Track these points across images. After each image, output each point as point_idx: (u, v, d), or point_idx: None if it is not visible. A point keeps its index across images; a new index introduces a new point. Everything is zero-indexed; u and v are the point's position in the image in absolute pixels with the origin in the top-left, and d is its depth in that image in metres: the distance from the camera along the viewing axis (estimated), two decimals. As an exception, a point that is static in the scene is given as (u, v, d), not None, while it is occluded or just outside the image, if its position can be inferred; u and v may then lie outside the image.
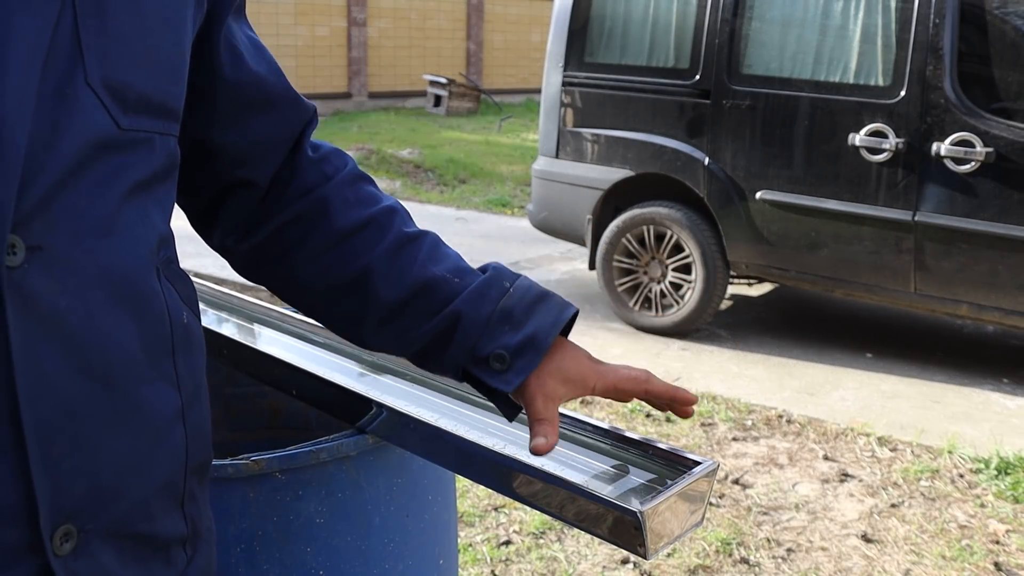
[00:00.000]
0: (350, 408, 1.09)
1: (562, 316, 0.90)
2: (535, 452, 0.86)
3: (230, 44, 0.86)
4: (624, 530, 0.83)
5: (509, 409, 0.92)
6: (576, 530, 2.37)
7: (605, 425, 1.00)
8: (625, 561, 2.61)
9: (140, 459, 0.70)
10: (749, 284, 5.15)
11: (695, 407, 1.02)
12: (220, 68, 0.85)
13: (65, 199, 0.63)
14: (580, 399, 3.67)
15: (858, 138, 4.02)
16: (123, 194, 0.68)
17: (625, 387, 0.90)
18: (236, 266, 0.97)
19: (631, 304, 4.68)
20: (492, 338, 0.88)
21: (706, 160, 4.41)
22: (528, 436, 0.87)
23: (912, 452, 3.39)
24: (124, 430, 0.68)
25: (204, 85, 0.85)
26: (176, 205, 0.83)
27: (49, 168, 0.62)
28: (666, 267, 4.61)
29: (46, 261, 0.62)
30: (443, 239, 0.97)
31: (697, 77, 4.43)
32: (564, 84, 4.81)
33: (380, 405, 1.05)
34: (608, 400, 3.82)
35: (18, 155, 0.59)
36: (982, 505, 3.01)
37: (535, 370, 0.88)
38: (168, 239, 0.77)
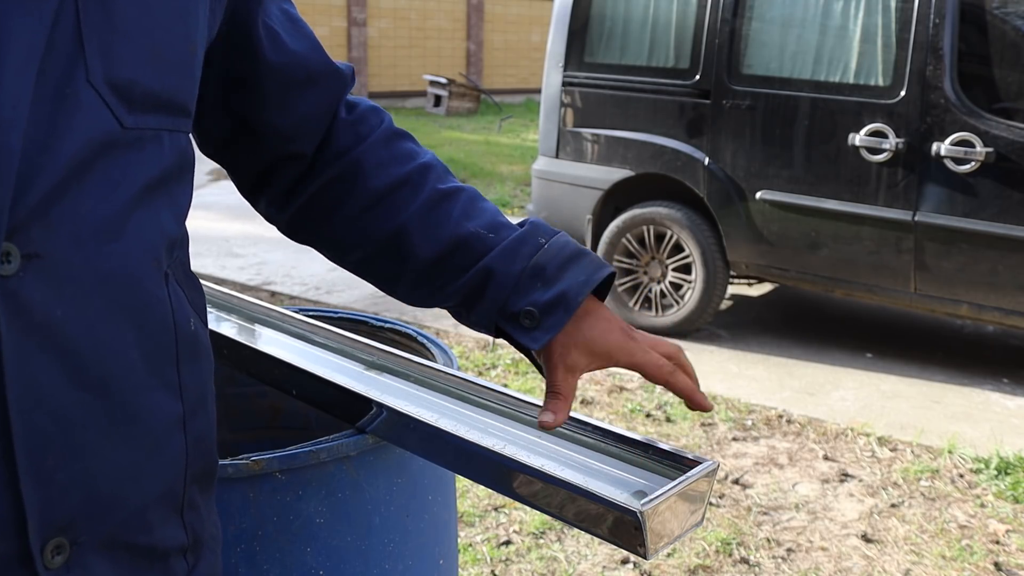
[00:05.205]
0: (350, 408, 1.09)
1: (595, 275, 0.89)
2: (541, 427, 0.86)
3: (268, 26, 0.86)
4: (624, 530, 0.83)
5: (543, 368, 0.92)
6: (576, 530, 2.37)
7: (605, 425, 0.99)
8: (625, 561, 2.61)
9: (137, 469, 0.68)
10: (749, 284, 5.15)
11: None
12: (261, 52, 0.85)
13: (67, 203, 0.61)
14: (580, 399, 3.68)
15: (858, 138, 4.01)
16: (132, 196, 0.66)
17: (648, 372, 0.90)
18: (282, 230, 0.99)
19: (631, 304, 4.68)
20: (522, 294, 0.88)
21: (706, 160, 4.41)
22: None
23: (912, 452, 3.38)
24: (121, 440, 0.66)
25: (247, 71, 0.85)
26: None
27: (48, 171, 0.60)
28: (666, 267, 4.61)
29: (44, 269, 0.60)
30: None
31: (697, 77, 4.43)
32: (564, 84, 4.81)
33: (380, 405, 1.05)
34: (608, 400, 3.84)
35: (12, 160, 0.57)
36: (982, 505, 3.01)
37: (562, 332, 0.88)
38: (180, 241, 0.75)
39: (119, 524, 0.68)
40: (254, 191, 0.96)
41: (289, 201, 0.94)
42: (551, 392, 0.89)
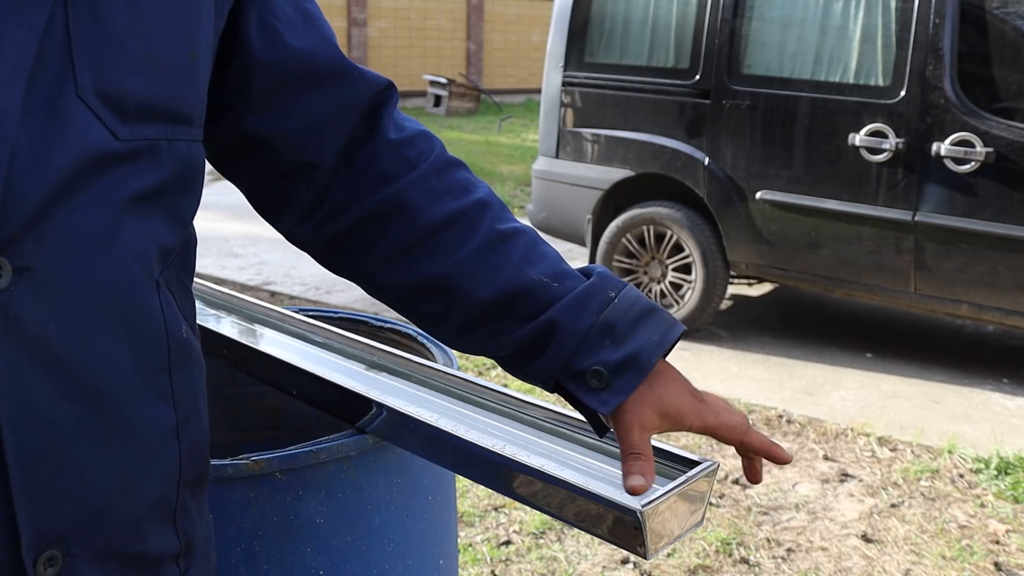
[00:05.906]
0: (350, 408, 1.09)
1: (669, 335, 0.84)
2: (632, 492, 0.80)
3: (264, 22, 0.81)
4: (624, 530, 0.83)
5: (600, 425, 0.88)
6: (576, 530, 2.37)
7: (605, 425, 0.99)
8: (625, 561, 2.61)
9: (131, 479, 0.68)
10: (749, 284, 5.15)
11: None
12: (250, 49, 0.80)
13: (59, 217, 0.60)
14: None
15: (858, 138, 4.01)
16: (124, 206, 0.64)
17: (721, 434, 0.85)
18: (316, 258, 0.92)
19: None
20: (591, 352, 0.82)
21: (706, 160, 4.41)
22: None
23: (912, 452, 3.39)
24: (115, 451, 0.66)
25: (239, 70, 0.80)
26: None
27: (40, 185, 0.59)
28: (666, 267, 4.61)
29: (35, 283, 0.59)
30: None
31: (697, 77, 4.43)
32: (564, 84, 4.81)
33: (380, 405, 1.05)
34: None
35: None
36: (982, 505, 3.01)
37: (634, 393, 0.82)
38: (177, 249, 0.73)
39: (112, 534, 0.67)
40: (270, 210, 0.89)
41: (323, 224, 0.87)
42: (631, 454, 0.82)
